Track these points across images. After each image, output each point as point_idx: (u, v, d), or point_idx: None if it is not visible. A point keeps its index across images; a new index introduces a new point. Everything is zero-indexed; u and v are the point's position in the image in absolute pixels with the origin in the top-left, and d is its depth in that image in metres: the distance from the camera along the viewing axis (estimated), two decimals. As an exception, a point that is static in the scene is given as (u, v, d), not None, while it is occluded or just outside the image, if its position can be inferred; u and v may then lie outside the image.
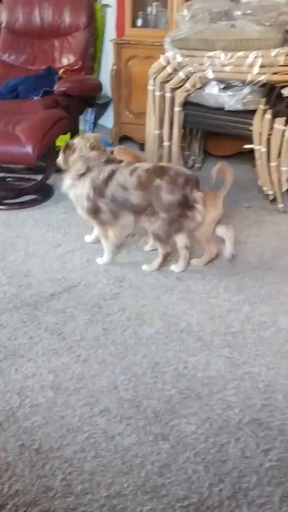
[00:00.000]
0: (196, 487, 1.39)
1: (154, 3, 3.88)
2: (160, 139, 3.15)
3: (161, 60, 2.98)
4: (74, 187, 2.38)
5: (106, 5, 4.16)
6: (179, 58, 2.89)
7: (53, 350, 1.88)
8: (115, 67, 3.90)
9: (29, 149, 2.81)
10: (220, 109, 2.91)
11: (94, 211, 2.36)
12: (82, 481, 1.40)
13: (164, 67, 2.97)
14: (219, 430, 1.57)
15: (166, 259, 2.42)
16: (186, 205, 2.25)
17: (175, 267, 2.42)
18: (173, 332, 2.00)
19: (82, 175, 2.33)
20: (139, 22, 3.92)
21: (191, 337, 1.96)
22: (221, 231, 2.44)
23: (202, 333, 1.99)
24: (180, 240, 2.38)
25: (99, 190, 2.30)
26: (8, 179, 3.47)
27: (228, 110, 2.88)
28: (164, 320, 2.06)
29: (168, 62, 2.95)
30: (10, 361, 1.81)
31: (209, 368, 1.81)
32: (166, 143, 3.12)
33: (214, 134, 3.56)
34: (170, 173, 2.25)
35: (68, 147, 2.35)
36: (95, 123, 4.32)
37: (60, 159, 2.38)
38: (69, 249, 2.59)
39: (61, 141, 3.43)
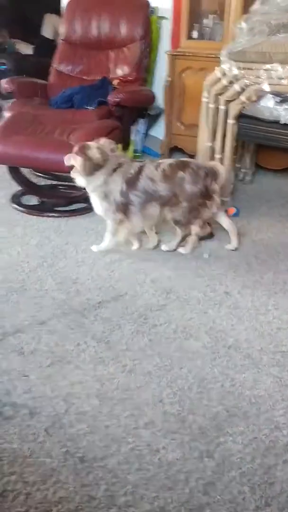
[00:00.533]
0: (241, 509, 1.35)
1: (211, 15, 3.88)
2: (212, 151, 3.13)
3: (217, 72, 2.97)
4: (106, 184, 2.50)
5: (162, 17, 4.20)
6: (235, 71, 2.87)
7: (99, 359, 1.88)
8: (168, 78, 3.92)
9: (82, 158, 2.85)
10: (275, 123, 2.87)
11: (124, 205, 2.51)
12: (125, 493, 1.39)
13: (220, 79, 2.96)
14: (266, 451, 1.52)
15: (183, 240, 2.68)
16: (206, 195, 2.51)
17: (182, 249, 2.66)
18: (221, 347, 1.97)
19: (114, 170, 2.49)
20: (195, 34, 3.93)
21: (239, 354, 1.93)
22: (226, 224, 2.71)
23: (251, 351, 1.95)
24: (193, 227, 2.61)
25: (131, 183, 2.48)
26: (60, 187, 3.54)
27: (284, 124, 2.83)
28: (211, 335, 2.04)
29: (224, 74, 2.94)
30: (58, 367, 1.83)
31: (257, 387, 1.77)
32: (217, 156, 3.10)
33: (266, 147, 3.52)
34: (192, 166, 2.50)
35: (86, 150, 2.46)
36: (146, 134, 4.35)
37: (82, 165, 2.47)
38: (117, 258, 2.61)
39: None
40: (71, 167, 2.52)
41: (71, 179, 3.56)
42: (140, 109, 3.79)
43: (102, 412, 1.64)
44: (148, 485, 1.41)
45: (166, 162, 2.56)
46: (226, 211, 3.14)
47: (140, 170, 2.49)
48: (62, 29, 4.12)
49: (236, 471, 1.46)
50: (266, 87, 2.79)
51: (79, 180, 2.54)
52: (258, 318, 2.15)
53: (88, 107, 3.53)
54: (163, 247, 2.68)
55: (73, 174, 2.55)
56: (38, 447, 1.51)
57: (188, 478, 1.43)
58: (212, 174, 2.52)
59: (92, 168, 2.46)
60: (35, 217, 3.07)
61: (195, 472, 1.45)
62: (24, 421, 1.60)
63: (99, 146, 2.49)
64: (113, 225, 2.61)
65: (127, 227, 2.60)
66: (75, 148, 2.50)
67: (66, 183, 3.53)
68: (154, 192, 2.48)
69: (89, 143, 2.50)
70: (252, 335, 2.04)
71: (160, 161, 2.58)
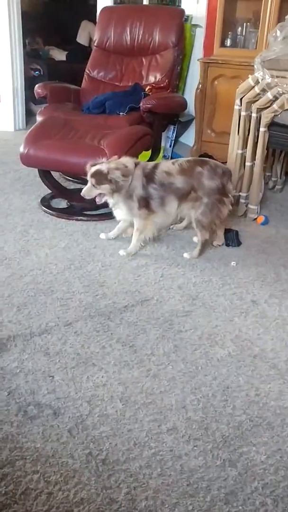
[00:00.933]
0: (263, 521, 1.34)
1: (245, 24, 3.88)
2: (243, 159, 3.12)
3: (250, 80, 2.96)
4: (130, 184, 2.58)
5: (196, 25, 4.21)
6: (268, 79, 2.85)
7: (124, 362, 1.89)
8: (200, 86, 3.92)
9: (112, 163, 2.87)
10: (307, 131, 2.84)
11: (146, 199, 2.59)
12: (146, 497, 1.38)
13: (252, 87, 2.95)
14: (290, 464, 1.50)
15: (206, 247, 2.73)
16: (223, 192, 2.61)
17: (187, 255, 2.69)
18: (246, 356, 1.95)
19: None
20: (228, 42, 3.93)
21: (265, 364, 1.91)
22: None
23: (277, 361, 1.92)
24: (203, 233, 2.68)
25: (149, 176, 2.57)
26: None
27: (316, 133, 2.81)
28: (236, 343, 2.02)
29: (257, 82, 2.92)
30: (82, 369, 1.84)
31: (282, 398, 1.74)
32: (248, 163, 3.08)
33: (297, 156, 3.48)
34: (210, 164, 2.61)
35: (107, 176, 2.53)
36: (176, 140, 4.36)
37: (110, 190, 2.55)
38: (143, 263, 2.61)
39: (143, 157, 3.51)
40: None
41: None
42: (171, 115, 3.81)
43: (125, 415, 1.65)
44: (169, 491, 1.40)
45: (184, 159, 2.68)
46: (256, 220, 3.12)
47: (156, 165, 2.62)
48: (96, 36, 4.17)
49: (258, 482, 1.44)
50: (299, 95, 2.77)
51: (110, 200, 2.63)
52: (285, 328, 2.12)
53: (120, 113, 3.56)
54: (185, 255, 2.69)
55: (102, 200, 2.63)
56: (61, 448, 1.53)
57: (210, 486, 1.42)
58: (228, 174, 2.66)
59: (120, 186, 2.53)
60: (63, 220, 3.10)
61: (217, 481, 1.44)
62: (48, 421, 1.62)
63: (116, 165, 2.55)
64: (140, 221, 2.65)
65: (155, 221, 2.67)
66: (92, 180, 2.54)
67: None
68: (170, 185, 2.56)
69: (99, 167, 2.55)
70: (278, 345, 2.02)
71: (177, 159, 2.69)
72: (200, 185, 2.56)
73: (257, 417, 1.66)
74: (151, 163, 2.67)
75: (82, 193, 2.59)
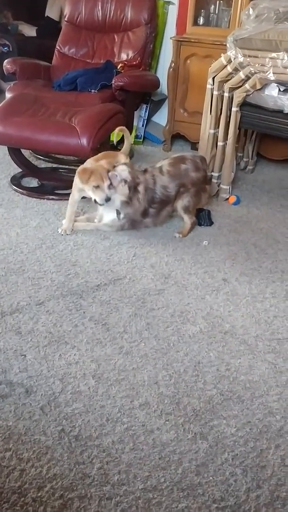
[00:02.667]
0: (233, 490, 1.37)
1: (218, 2, 3.84)
2: (215, 138, 3.12)
3: (222, 59, 2.95)
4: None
5: (169, 2, 4.15)
6: (240, 58, 2.84)
7: (97, 340, 1.89)
8: (173, 64, 3.88)
9: (84, 141, 2.84)
10: (278, 112, 2.85)
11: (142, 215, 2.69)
12: (119, 471, 1.40)
13: (225, 66, 2.94)
14: (259, 435, 1.54)
15: (193, 227, 2.78)
16: (204, 181, 2.81)
17: (177, 234, 2.72)
18: (217, 333, 1.98)
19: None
20: (201, 20, 3.89)
21: (235, 340, 1.94)
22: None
23: (247, 337, 1.96)
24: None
25: (151, 199, 2.66)
26: (60, 170, 3.52)
27: (287, 113, 2.82)
28: (208, 320, 2.05)
29: (229, 61, 2.91)
30: (55, 347, 1.84)
31: (252, 372, 1.78)
32: (220, 143, 3.09)
33: (268, 137, 3.50)
34: (189, 158, 2.74)
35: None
36: (148, 120, 4.32)
37: (126, 192, 2.57)
38: (116, 243, 2.61)
39: (115, 135, 3.47)
40: (78, 149, 2.63)
41: (71, 162, 3.57)
42: (143, 94, 3.78)
43: (98, 392, 1.66)
44: (142, 465, 1.43)
45: (163, 164, 2.71)
46: (227, 199, 3.15)
47: (155, 181, 2.65)
48: (66, 10, 4.07)
49: (228, 454, 1.48)
50: (271, 75, 2.77)
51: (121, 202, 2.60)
52: (255, 305, 2.16)
53: (91, 90, 3.51)
54: (176, 235, 2.72)
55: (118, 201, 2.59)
56: (33, 425, 1.53)
57: (181, 459, 1.45)
58: (205, 160, 2.85)
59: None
60: (34, 199, 3.06)
61: (188, 453, 1.47)
62: (20, 399, 1.61)
63: (124, 165, 2.55)
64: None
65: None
66: (104, 184, 2.48)
67: (67, 166, 3.53)
68: (168, 197, 2.68)
69: (104, 173, 2.50)
70: (248, 321, 2.05)
71: (157, 165, 2.73)
72: (188, 179, 2.69)
73: (227, 391, 1.69)
74: (149, 178, 2.65)
75: (102, 202, 2.51)
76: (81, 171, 2.53)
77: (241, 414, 1.61)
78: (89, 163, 2.64)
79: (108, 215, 2.67)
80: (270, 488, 1.38)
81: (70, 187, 3.21)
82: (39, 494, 1.33)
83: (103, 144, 3.07)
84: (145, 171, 2.71)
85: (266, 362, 1.83)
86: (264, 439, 1.53)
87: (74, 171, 3.42)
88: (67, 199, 3.07)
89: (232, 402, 1.65)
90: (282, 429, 1.56)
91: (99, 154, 2.72)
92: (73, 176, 3.37)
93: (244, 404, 1.64)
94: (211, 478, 1.40)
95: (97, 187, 2.47)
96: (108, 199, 2.48)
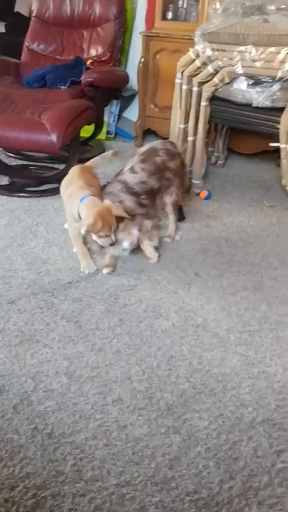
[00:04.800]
0: (206, 483, 1.38)
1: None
2: (185, 133, 3.13)
3: (190, 53, 2.96)
4: None
5: (137, -3, 4.14)
6: (208, 52, 2.86)
7: (69, 338, 1.88)
8: (142, 59, 3.88)
9: (53, 137, 2.81)
10: (247, 106, 2.88)
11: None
12: (92, 468, 1.40)
13: (193, 61, 2.95)
14: (231, 428, 1.55)
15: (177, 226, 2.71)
16: (183, 165, 2.63)
17: (168, 239, 2.63)
18: (189, 326, 1.99)
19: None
20: (169, 15, 3.89)
21: (207, 333, 1.95)
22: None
23: (218, 330, 1.98)
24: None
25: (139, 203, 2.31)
26: (31, 167, 3.49)
27: (256, 107, 2.85)
28: (180, 314, 2.06)
29: (198, 56, 2.92)
30: (26, 346, 1.82)
31: (224, 365, 1.79)
32: (190, 138, 3.10)
33: (239, 131, 3.53)
34: (161, 148, 2.51)
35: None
36: (119, 116, 4.31)
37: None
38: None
39: (86, 131, 3.45)
40: (48, 146, 2.42)
41: (42, 159, 3.53)
42: (113, 90, 3.75)
43: (71, 389, 1.65)
44: (115, 460, 1.43)
45: (133, 163, 2.39)
46: (199, 194, 3.16)
47: (125, 185, 2.29)
48: (34, 6, 4.02)
49: (201, 447, 1.49)
50: (239, 69, 2.80)
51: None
52: (226, 298, 2.18)
53: (61, 87, 3.47)
54: (167, 240, 2.61)
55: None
56: (5, 424, 1.51)
57: (155, 453, 1.45)
58: (175, 145, 2.67)
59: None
60: (5, 197, 3.02)
61: (162, 448, 1.47)
62: (-8, 399, 1.60)
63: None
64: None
65: None
66: (111, 233, 2.13)
67: (37, 164, 3.50)
68: (152, 189, 2.37)
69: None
70: (220, 315, 2.07)
71: (126, 168, 2.38)
72: (170, 170, 2.48)
73: (200, 384, 1.70)
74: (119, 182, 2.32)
75: (106, 246, 2.21)
76: (92, 223, 2.06)
77: (214, 407, 1.62)
78: (74, 178, 2.31)
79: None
80: (243, 479, 1.40)
81: (41, 184, 3.19)
82: (11, 494, 1.32)
83: (74, 141, 3.06)
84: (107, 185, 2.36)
85: (237, 354, 1.85)
86: (236, 431, 1.54)
87: (44, 168, 3.42)
88: (38, 196, 3.06)
89: (204, 395, 1.66)
90: (254, 420, 1.58)
91: (79, 170, 2.37)
92: (44, 173, 3.35)
93: (217, 397, 1.66)
94: (184, 471, 1.41)
95: (105, 236, 2.14)
96: (112, 244, 2.19)
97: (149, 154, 2.47)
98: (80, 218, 2.14)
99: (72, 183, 2.26)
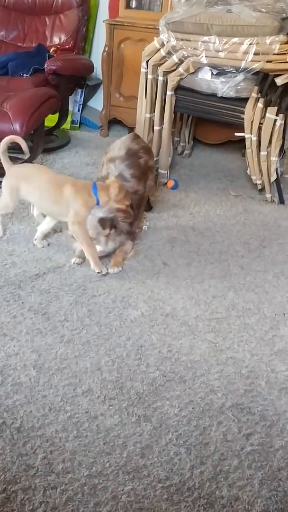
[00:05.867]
0: (177, 469, 1.39)
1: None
2: (151, 123, 3.12)
3: (155, 43, 2.93)
4: None
5: (100, -16, 4.07)
6: (173, 41, 2.84)
7: (37, 330, 1.86)
8: (107, 48, 3.83)
9: (16, 126, 2.75)
10: (212, 96, 2.88)
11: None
12: (63, 460, 1.39)
13: (158, 50, 2.93)
14: (201, 414, 1.57)
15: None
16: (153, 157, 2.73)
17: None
18: (158, 315, 1.99)
19: None
20: (133, 3, 3.84)
21: (176, 321, 1.96)
22: None
23: (187, 318, 1.99)
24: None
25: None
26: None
27: (220, 97, 2.86)
28: (149, 304, 2.06)
29: (162, 45, 2.90)
30: (-7, 339, 1.79)
31: (193, 352, 1.81)
32: (157, 127, 3.09)
33: (204, 121, 3.54)
34: (138, 147, 2.54)
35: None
36: (84, 105, 4.25)
37: None
38: (54, 231, 2.55)
39: (50, 120, 3.39)
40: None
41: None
42: (77, 78, 3.70)
43: (40, 382, 1.63)
44: (86, 451, 1.42)
45: (121, 170, 2.39)
46: (166, 184, 3.16)
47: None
48: (-6, -9, 3.91)
49: (172, 434, 1.50)
50: (203, 59, 2.79)
51: None
52: (194, 287, 2.19)
53: (23, 75, 3.40)
54: (136, 230, 2.53)
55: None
56: (-27, 420, 1.48)
57: (126, 443, 1.45)
58: (141, 138, 2.74)
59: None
60: None
61: (133, 437, 1.47)
62: None
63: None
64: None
65: None
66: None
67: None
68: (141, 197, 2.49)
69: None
70: (188, 303, 2.08)
71: (115, 174, 2.36)
72: (149, 170, 2.55)
73: (169, 372, 1.71)
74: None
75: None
76: (119, 190, 2.18)
77: (184, 394, 1.63)
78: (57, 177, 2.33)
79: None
80: (213, 464, 1.42)
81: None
82: (-19, 490, 1.30)
83: (38, 130, 3.00)
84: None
85: (206, 341, 1.87)
86: (206, 417, 1.56)
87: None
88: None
89: (174, 383, 1.67)
90: (224, 406, 1.60)
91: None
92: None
93: (186, 384, 1.67)
94: (155, 459, 1.42)
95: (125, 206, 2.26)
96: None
97: (132, 157, 2.45)
98: (98, 203, 2.18)
99: (63, 184, 2.20)
